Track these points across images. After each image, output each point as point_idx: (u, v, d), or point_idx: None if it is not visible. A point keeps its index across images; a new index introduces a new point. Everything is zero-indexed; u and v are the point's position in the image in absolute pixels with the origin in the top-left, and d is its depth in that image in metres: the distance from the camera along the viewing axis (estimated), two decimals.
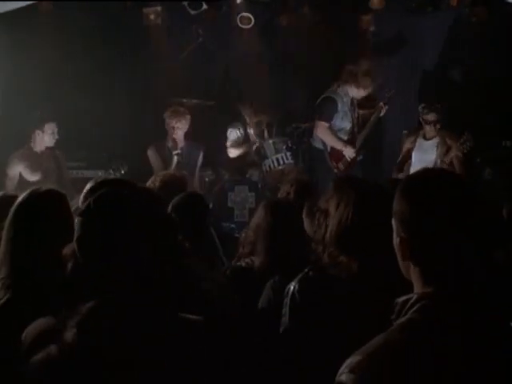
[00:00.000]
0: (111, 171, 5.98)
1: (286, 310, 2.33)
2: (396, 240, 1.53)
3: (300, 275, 2.35)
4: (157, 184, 3.74)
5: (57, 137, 6.50)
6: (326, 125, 6.56)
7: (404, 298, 1.48)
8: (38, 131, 6.39)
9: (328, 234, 2.13)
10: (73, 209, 3.52)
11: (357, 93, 6.62)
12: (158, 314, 1.72)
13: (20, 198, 2.44)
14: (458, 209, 1.46)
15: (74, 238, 1.73)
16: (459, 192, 1.50)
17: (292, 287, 2.32)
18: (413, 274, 1.51)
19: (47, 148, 6.51)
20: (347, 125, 6.69)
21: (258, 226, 3.24)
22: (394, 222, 1.55)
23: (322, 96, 6.66)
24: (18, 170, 6.32)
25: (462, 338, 1.40)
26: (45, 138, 6.43)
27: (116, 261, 1.68)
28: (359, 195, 2.12)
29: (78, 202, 2.68)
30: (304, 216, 3.08)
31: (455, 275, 1.46)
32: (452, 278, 1.46)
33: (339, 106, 6.56)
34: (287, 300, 2.32)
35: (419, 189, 1.52)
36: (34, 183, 6.17)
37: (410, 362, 1.36)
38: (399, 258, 1.54)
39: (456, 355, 1.38)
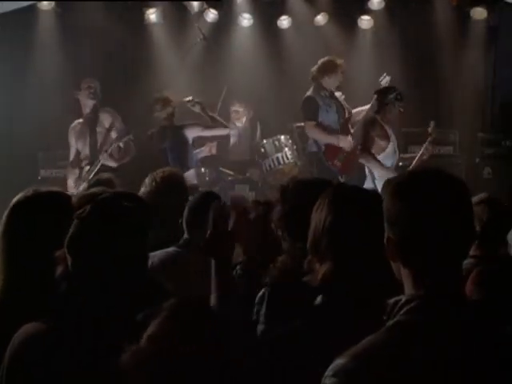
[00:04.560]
0: None
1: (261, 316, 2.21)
2: (385, 241, 1.52)
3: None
4: (158, 181, 3.73)
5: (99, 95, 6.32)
6: (313, 123, 6.56)
7: (394, 299, 1.47)
8: (76, 92, 6.19)
9: (308, 242, 2.02)
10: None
11: (329, 83, 6.62)
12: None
13: (16, 198, 2.35)
14: (445, 210, 1.45)
15: (67, 238, 1.77)
16: (449, 193, 1.48)
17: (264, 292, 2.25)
18: (403, 275, 1.50)
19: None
20: (334, 116, 6.64)
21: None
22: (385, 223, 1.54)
23: (304, 97, 6.67)
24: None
25: (448, 341, 1.39)
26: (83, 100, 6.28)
27: (105, 267, 1.74)
28: (335, 199, 1.98)
29: None
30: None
31: (442, 277, 1.45)
32: (440, 281, 1.45)
33: (319, 100, 6.57)
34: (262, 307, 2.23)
35: (407, 190, 1.50)
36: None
37: (395, 364, 1.35)
38: (390, 259, 1.53)
39: (442, 358, 1.37)
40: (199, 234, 3.19)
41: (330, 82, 6.62)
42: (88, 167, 6.25)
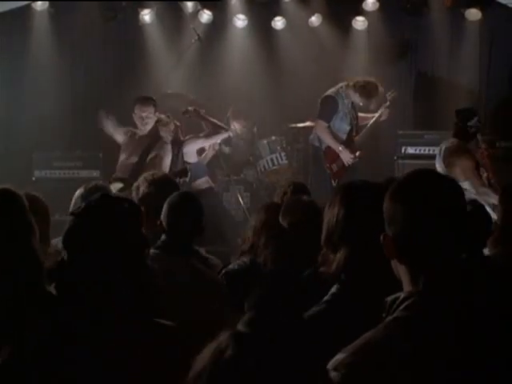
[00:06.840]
0: None
1: None
2: (381, 238, 1.56)
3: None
4: (145, 184, 3.71)
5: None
6: (325, 124, 6.48)
7: (392, 296, 1.50)
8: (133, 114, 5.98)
9: (322, 236, 2.17)
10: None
11: (358, 100, 6.55)
12: (133, 318, 1.78)
13: None
14: (440, 209, 1.49)
15: (63, 234, 1.80)
16: (443, 193, 1.52)
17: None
18: (400, 273, 1.54)
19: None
20: (346, 127, 6.60)
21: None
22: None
23: (325, 94, 6.58)
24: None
25: (446, 337, 1.42)
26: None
27: (99, 264, 1.76)
28: (346, 194, 2.14)
29: None
30: None
31: (439, 274, 1.48)
32: (436, 277, 1.48)
33: (339, 105, 6.49)
34: None
35: (404, 190, 1.55)
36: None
37: (393, 358, 1.38)
38: (387, 256, 1.57)
39: (440, 353, 1.39)
40: (177, 235, 3.19)
41: (357, 99, 6.54)
42: None
